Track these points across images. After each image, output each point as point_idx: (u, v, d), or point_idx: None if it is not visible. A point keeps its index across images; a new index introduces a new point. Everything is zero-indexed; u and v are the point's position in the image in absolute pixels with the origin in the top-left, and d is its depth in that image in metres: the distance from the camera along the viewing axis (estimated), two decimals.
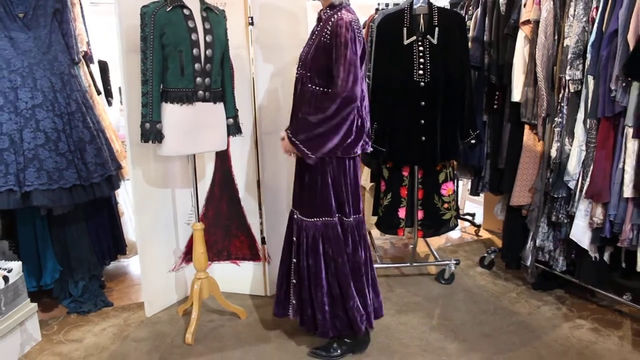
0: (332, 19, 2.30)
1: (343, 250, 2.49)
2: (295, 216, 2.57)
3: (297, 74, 2.50)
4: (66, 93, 2.89)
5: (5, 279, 2.65)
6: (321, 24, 2.40)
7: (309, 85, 2.38)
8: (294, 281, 2.60)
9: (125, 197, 3.81)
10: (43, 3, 2.85)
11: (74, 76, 2.98)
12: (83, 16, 3.22)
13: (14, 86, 2.75)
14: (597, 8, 2.74)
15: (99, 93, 3.39)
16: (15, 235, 3.16)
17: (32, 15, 2.83)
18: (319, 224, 2.48)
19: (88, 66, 3.28)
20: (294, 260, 2.58)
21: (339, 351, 2.63)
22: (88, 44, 3.26)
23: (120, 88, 3.40)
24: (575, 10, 2.83)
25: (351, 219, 2.51)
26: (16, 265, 2.76)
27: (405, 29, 3.08)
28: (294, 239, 2.57)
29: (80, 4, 3.20)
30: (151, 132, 2.57)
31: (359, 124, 2.40)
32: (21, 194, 2.73)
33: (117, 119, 3.97)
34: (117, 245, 3.50)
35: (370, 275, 2.62)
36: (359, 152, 2.46)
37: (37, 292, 3.08)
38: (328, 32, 2.31)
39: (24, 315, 2.75)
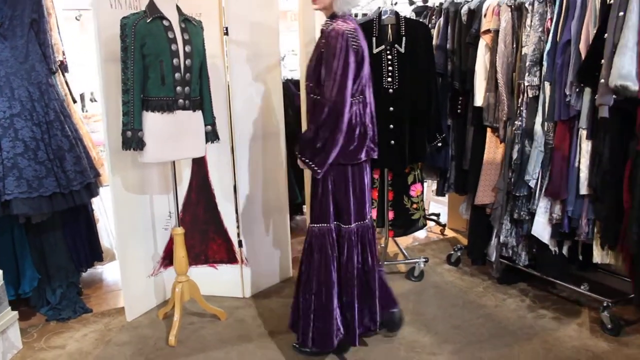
0: (327, 30, 2.39)
1: (331, 258, 2.52)
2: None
3: (305, 85, 2.59)
4: (44, 102, 2.93)
5: None
6: (321, 35, 2.47)
7: (311, 95, 2.48)
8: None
9: (100, 204, 3.84)
10: (20, 13, 2.88)
11: (52, 85, 3.01)
12: (58, 26, 3.25)
13: None
14: (551, 19, 2.95)
15: (74, 102, 3.42)
16: None
17: (8, 25, 2.85)
18: (315, 229, 2.54)
19: (64, 75, 3.31)
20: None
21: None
22: (63, 53, 3.29)
23: (82, 94, 3.47)
24: (531, 21, 3.03)
25: (352, 226, 2.55)
26: None
27: (374, 38, 3.22)
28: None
29: (55, 14, 3.24)
30: (133, 140, 2.63)
31: (362, 130, 2.47)
32: (1, 203, 2.75)
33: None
34: (94, 252, 3.52)
35: (369, 286, 2.62)
36: (364, 158, 2.52)
37: (13, 300, 3.09)
38: (322, 42, 2.41)
39: (6, 323, 2.77)
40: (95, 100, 7.45)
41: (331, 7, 2.41)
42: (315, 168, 2.41)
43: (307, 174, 3.51)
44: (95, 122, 6.33)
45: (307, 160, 2.42)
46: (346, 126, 2.37)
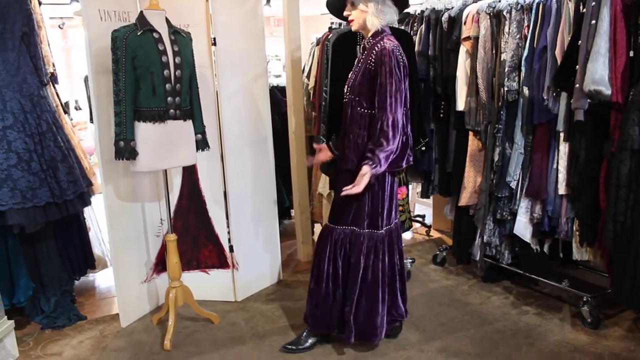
0: (376, 48, 2.52)
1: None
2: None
3: (346, 98, 2.68)
4: (36, 114, 2.98)
5: None
6: (365, 52, 2.60)
7: (358, 109, 2.58)
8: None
9: (91, 213, 3.88)
10: (10, 27, 2.93)
11: (44, 97, 3.06)
12: (47, 38, 3.30)
13: None
14: (528, 26, 3.06)
15: (65, 112, 3.47)
16: None
17: None
18: (347, 231, 2.70)
19: (54, 86, 3.36)
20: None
21: (308, 342, 2.84)
22: (54, 65, 3.34)
23: (67, 103, 3.54)
24: (509, 28, 3.15)
25: (382, 231, 2.68)
26: None
27: (358, 46, 3.31)
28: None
29: (45, 27, 3.28)
30: (125, 150, 2.70)
31: (404, 139, 2.63)
32: None
33: None
34: (87, 260, 3.57)
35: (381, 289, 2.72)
36: (404, 165, 2.70)
37: (8, 310, 3.12)
38: (372, 60, 2.52)
39: (3, 332, 2.81)
40: (80, 109, 7.47)
41: (366, 26, 2.58)
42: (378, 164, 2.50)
43: (298, 179, 3.58)
44: (80, 130, 6.35)
45: (378, 166, 2.48)
46: None
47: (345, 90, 2.70)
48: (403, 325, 3.03)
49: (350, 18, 2.59)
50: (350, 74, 2.70)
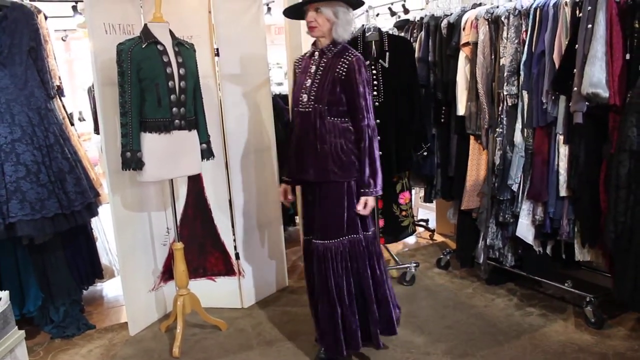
0: (347, 57, 2.53)
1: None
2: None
3: (308, 108, 2.59)
4: (44, 127, 3.03)
5: None
6: (327, 59, 2.57)
7: (329, 118, 2.56)
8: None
9: (97, 223, 3.93)
10: (18, 42, 2.99)
11: (51, 110, 3.11)
12: (54, 52, 3.36)
13: None
14: (526, 31, 3.10)
15: (72, 125, 3.52)
16: None
17: (7, 53, 2.96)
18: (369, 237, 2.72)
19: (61, 99, 3.42)
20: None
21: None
22: (60, 78, 3.40)
23: (71, 114, 3.62)
24: (508, 34, 3.19)
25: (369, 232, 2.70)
26: (4, 295, 2.85)
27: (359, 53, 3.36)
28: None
29: (51, 42, 3.34)
30: (132, 160, 2.75)
31: None
32: (5, 225, 2.85)
33: None
34: (95, 270, 3.62)
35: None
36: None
37: (18, 320, 3.16)
38: (344, 68, 2.52)
39: (14, 342, 2.83)
40: (84, 120, 7.53)
41: (330, 34, 2.55)
42: (378, 189, 2.62)
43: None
44: (84, 141, 6.40)
45: (378, 190, 2.61)
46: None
47: (305, 100, 2.60)
48: (408, 329, 3.06)
49: (313, 24, 2.52)
50: (306, 83, 2.62)
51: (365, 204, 2.59)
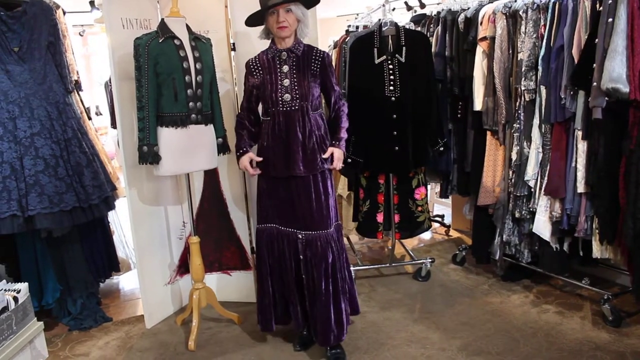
0: (317, 54, 2.72)
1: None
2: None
3: (294, 106, 2.64)
4: (62, 121, 3.06)
5: (15, 299, 2.80)
6: (296, 58, 2.68)
7: (312, 113, 2.68)
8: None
9: (114, 217, 3.97)
10: (37, 37, 3.02)
11: (69, 104, 3.15)
12: (72, 47, 3.40)
13: (13, 116, 2.91)
14: (544, 26, 3.07)
15: (89, 119, 3.56)
16: (11, 258, 3.30)
17: (26, 48, 2.99)
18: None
19: (79, 94, 3.45)
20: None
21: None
22: (78, 72, 3.43)
23: (88, 108, 3.66)
24: (526, 28, 3.16)
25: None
26: (23, 287, 2.91)
27: (375, 49, 3.36)
28: None
29: (69, 36, 3.38)
30: (149, 155, 2.76)
31: None
32: (24, 219, 2.88)
33: None
34: (111, 263, 3.66)
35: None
36: None
37: (37, 312, 3.21)
38: (317, 64, 2.70)
39: (33, 333, 2.89)
40: (101, 114, 7.60)
41: (295, 34, 2.70)
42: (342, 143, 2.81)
43: None
44: (101, 135, 6.46)
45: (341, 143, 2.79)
46: None
47: (288, 99, 2.65)
48: (424, 324, 3.06)
49: (284, 24, 2.58)
50: (283, 82, 2.66)
51: (332, 155, 2.72)
